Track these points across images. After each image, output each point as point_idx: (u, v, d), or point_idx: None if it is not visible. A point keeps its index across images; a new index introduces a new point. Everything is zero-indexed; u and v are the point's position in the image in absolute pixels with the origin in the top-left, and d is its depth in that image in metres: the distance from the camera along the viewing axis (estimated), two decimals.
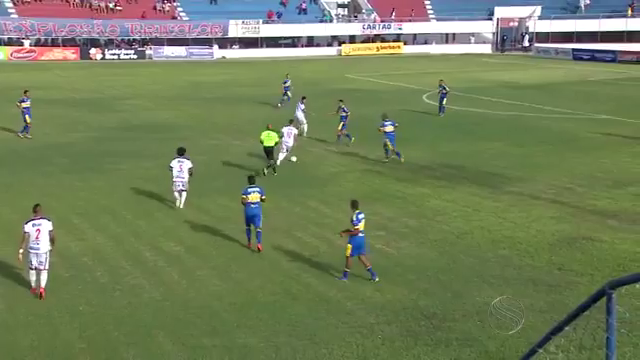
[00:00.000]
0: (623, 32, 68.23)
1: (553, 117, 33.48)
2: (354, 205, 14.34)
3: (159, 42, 69.93)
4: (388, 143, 24.65)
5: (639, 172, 22.70)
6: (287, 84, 37.69)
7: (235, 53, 71.34)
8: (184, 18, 72.86)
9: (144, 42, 70.29)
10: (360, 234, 14.20)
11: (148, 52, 68.92)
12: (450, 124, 32.63)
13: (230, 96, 42.48)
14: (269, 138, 23.74)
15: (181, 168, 19.50)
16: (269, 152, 23.77)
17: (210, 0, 75.34)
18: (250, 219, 16.41)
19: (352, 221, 14.13)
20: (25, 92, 29.97)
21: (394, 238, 16.98)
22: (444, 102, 34.67)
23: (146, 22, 69.90)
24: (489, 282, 14.08)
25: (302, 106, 30.29)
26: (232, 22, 70.87)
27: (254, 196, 16.45)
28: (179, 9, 73.86)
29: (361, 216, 14.21)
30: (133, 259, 15.65)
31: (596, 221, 17.90)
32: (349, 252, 14.11)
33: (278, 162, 24.13)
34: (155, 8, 72.62)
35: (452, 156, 25.69)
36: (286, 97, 37.02)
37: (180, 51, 69.47)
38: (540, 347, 5.44)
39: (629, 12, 70.53)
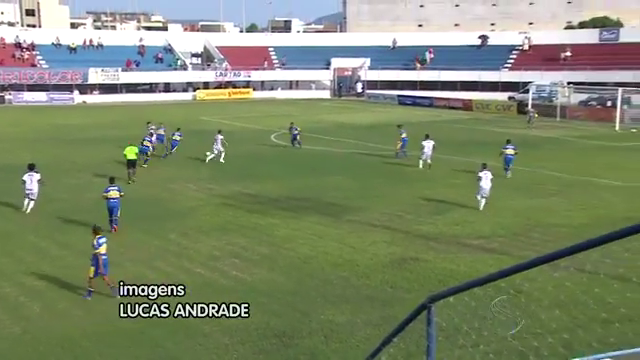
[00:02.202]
0: (437, 82, 72.72)
1: (384, 154, 34.83)
2: (95, 231, 14.74)
3: (19, 88, 66.20)
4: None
5: (452, 200, 23.95)
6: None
7: (95, 98, 68.88)
8: (44, 66, 69.48)
9: (3, 88, 66.25)
10: (103, 256, 14.39)
11: (8, 97, 64.99)
12: (296, 161, 33.13)
13: (90, 138, 40.84)
14: (131, 151, 27.20)
15: (31, 180, 21.65)
16: (132, 163, 27.06)
17: (69, 50, 72.53)
18: (110, 210, 19.46)
19: (93, 245, 14.38)
20: None
21: (247, 265, 16.90)
22: (298, 138, 36.83)
23: (5, 69, 66.09)
24: (332, 301, 14.30)
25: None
26: (92, 70, 68.62)
27: (113, 193, 19.52)
28: (39, 57, 70.40)
29: (102, 240, 14.58)
30: None
31: (421, 244, 18.69)
32: (92, 273, 14.30)
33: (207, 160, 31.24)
34: (14, 56, 68.82)
35: (298, 190, 26.04)
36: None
37: (40, 96, 66.06)
38: (373, 358, 5.57)
39: (417, 66, 75.43)
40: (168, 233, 19.86)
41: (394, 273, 16.14)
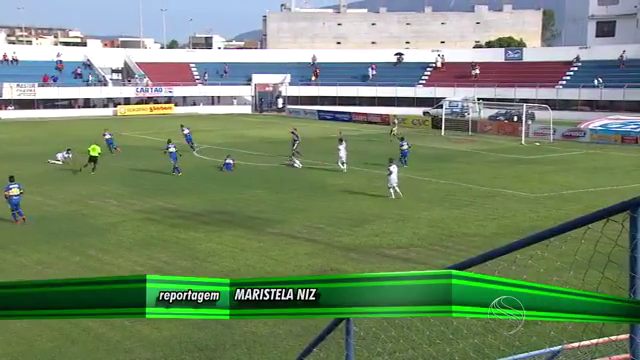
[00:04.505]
0: (355, 97, 73.85)
1: (305, 167, 34.98)
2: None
3: None
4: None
5: (371, 212, 24.30)
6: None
7: (11, 114, 66.25)
8: None
9: None
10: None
11: None
12: (218, 175, 32.83)
13: (3, 154, 39.17)
14: (94, 150, 31.77)
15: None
16: (94, 160, 31.55)
17: None
18: (14, 207, 21.37)
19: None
20: None
21: None
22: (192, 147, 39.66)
23: None
24: None
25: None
26: (6, 85, 66.00)
27: (14, 190, 21.31)
28: None
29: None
30: None
31: (341, 255, 18.84)
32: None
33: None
34: None
35: (220, 204, 25.79)
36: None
37: None
38: None
39: (313, 79, 76.75)
40: (88, 249, 19.28)
41: None
